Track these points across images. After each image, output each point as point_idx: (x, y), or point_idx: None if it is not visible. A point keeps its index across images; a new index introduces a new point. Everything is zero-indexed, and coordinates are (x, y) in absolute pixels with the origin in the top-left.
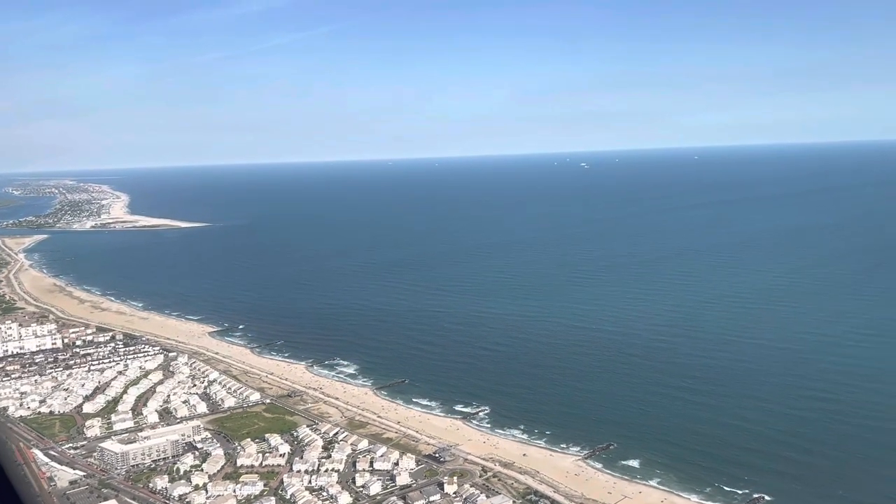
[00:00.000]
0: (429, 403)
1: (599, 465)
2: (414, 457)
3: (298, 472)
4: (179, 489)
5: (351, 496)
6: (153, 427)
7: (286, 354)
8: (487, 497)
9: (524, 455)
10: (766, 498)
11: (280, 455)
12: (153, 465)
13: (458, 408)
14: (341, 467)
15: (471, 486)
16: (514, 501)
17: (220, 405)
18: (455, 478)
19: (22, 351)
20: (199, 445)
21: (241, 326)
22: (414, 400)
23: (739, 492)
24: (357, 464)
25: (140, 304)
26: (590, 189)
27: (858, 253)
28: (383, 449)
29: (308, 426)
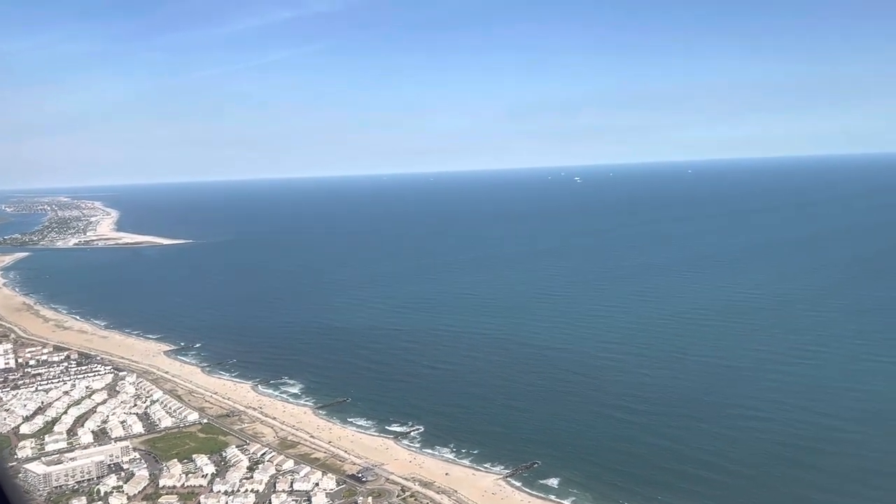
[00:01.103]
0: (365, 423)
1: (519, 484)
2: (335, 477)
3: (217, 492)
4: None
5: None
6: (85, 448)
7: (235, 374)
8: None
9: (447, 474)
10: None
11: (203, 476)
12: (76, 487)
13: (393, 427)
14: (261, 488)
15: None
16: None
17: (156, 425)
18: (370, 498)
19: None
20: (125, 466)
21: (197, 345)
22: (350, 419)
23: None
24: (277, 484)
25: (103, 323)
26: (576, 203)
27: (828, 268)
28: (306, 469)
29: (237, 446)
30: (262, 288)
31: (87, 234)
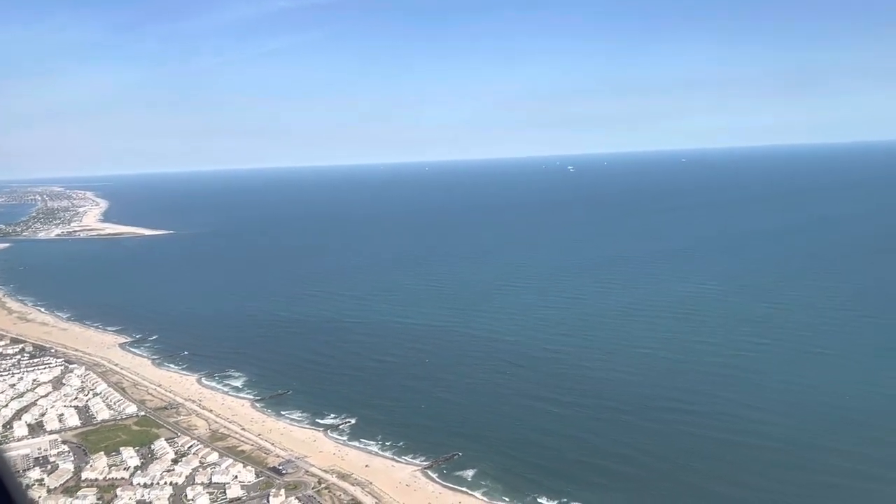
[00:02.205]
0: (299, 415)
1: (435, 476)
2: (254, 469)
3: (136, 485)
4: None
5: None
6: (19, 441)
7: (183, 366)
8: None
9: (366, 466)
10: None
11: (125, 469)
12: None
13: (325, 419)
14: (181, 480)
15: (296, 499)
16: None
17: (93, 418)
18: (282, 490)
19: None
20: (52, 459)
21: (153, 337)
22: (285, 412)
23: (556, 502)
24: (196, 477)
25: (65, 315)
26: (562, 193)
27: (795, 259)
28: (229, 461)
29: (167, 439)
30: (230, 279)
31: (72, 224)
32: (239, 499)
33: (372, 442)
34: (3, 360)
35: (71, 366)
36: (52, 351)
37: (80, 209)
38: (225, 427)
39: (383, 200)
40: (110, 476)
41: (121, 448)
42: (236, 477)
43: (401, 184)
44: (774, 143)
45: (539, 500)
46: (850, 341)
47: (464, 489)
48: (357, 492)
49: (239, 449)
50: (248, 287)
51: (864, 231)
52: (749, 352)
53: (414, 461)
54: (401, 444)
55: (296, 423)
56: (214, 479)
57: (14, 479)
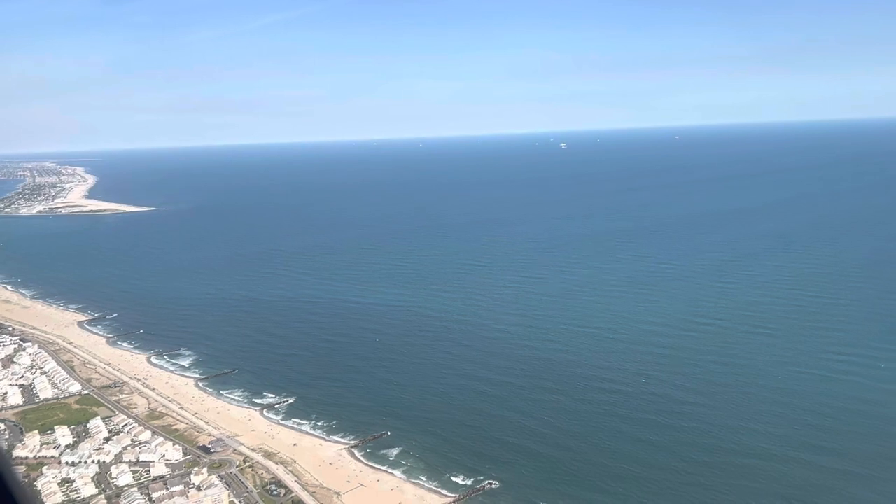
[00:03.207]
0: (239, 394)
1: (360, 454)
2: (182, 448)
3: (63, 463)
4: None
5: (97, 488)
6: None
7: (136, 344)
8: (226, 487)
9: (294, 445)
10: (495, 485)
11: (55, 447)
12: None
13: (264, 399)
14: (108, 459)
15: (217, 478)
16: (253, 491)
17: (36, 396)
18: (205, 469)
19: None
20: None
21: (113, 315)
22: (226, 391)
23: (471, 480)
24: (124, 455)
25: (30, 293)
26: (549, 170)
27: (760, 238)
28: (159, 440)
29: (103, 418)
30: (199, 257)
31: (55, 201)
32: (162, 477)
33: (304, 421)
34: None
35: (25, 344)
36: (10, 329)
37: (68, 185)
38: (164, 406)
39: (370, 178)
40: (40, 454)
41: (56, 427)
42: (164, 455)
43: (392, 160)
44: (777, 119)
45: (454, 478)
46: (794, 321)
47: (384, 468)
48: (279, 470)
49: (173, 428)
50: (215, 265)
51: (833, 210)
52: (691, 332)
53: (342, 440)
54: (333, 423)
55: (234, 403)
56: (141, 458)
57: (15, 477)
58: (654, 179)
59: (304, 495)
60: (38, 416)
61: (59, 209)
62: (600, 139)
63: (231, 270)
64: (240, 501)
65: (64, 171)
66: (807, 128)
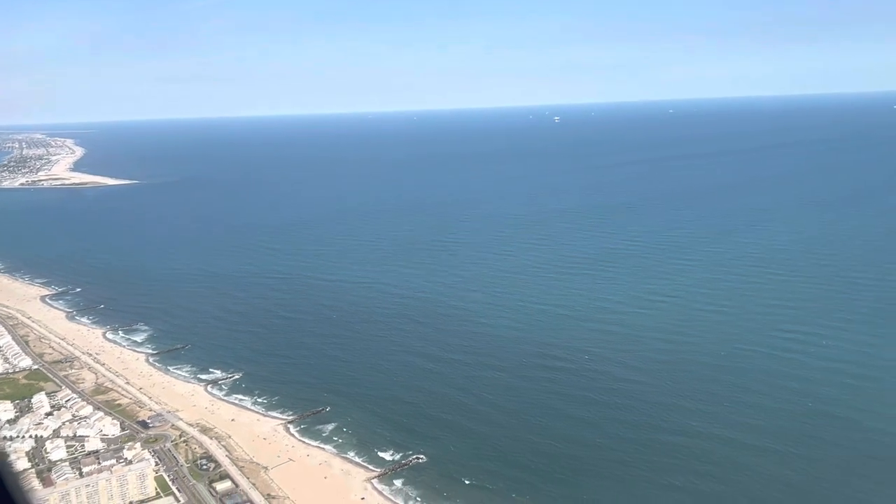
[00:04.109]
0: (188, 370)
1: (295, 430)
2: (120, 423)
3: (1, 438)
4: None
5: (30, 462)
6: None
7: (95, 319)
8: (156, 462)
9: (232, 420)
10: (422, 459)
11: None
12: None
13: (211, 374)
14: (46, 433)
15: (150, 452)
16: (182, 465)
17: None
18: (138, 444)
19: None
20: None
21: (77, 290)
22: (175, 367)
23: (399, 455)
24: (62, 430)
25: None
26: (538, 144)
27: (733, 214)
28: (99, 415)
29: (48, 393)
30: (173, 231)
31: (39, 173)
32: (96, 451)
33: (246, 397)
34: None
35: None
36: None
37: (54, 157)
38: (111, 381)
39: (359, 152)
40: None
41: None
42: (101, 430)
43: (381, 134)
44: (776, 93)
45: (382, 453)
46: (747, 298)
47: (317, 443)
48: (212, 445)
49: (116, 403)
50: (187, 240)
51: (812, 187)
52: (643, 309)
53: (280, 416)
54: (275, 399)
55: (181, 378)
56: (78, 433)
57: (14, 478)
58: (641, 154)
59: (232, 470)
60: None
61: (42, 182)
62: (595, 112)
63: (201, 245)
64: (169, 475)
65: (53, 144)
66: (804, 102)
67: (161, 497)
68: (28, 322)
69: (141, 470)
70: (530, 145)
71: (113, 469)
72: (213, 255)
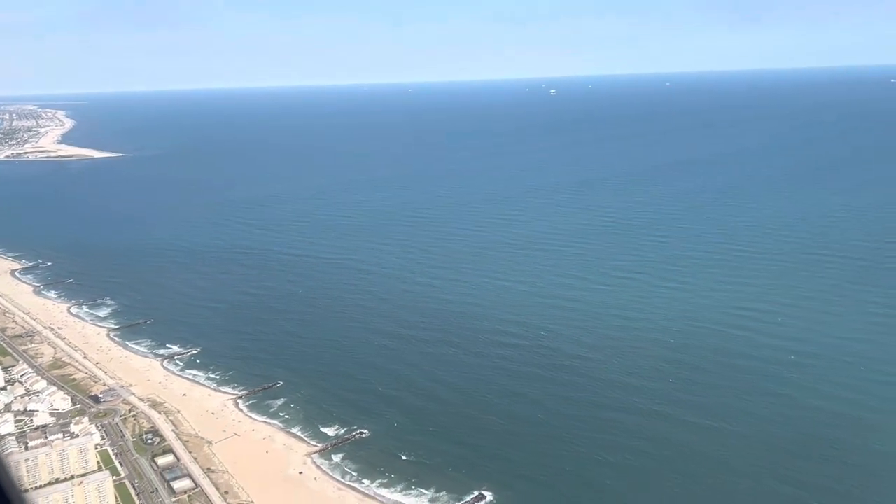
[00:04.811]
0: (147, 345)
1: (244, 405)
2: (71, 398)
3: None
4: None
5: None
6: None
7: (62, 294)
8: (102, 437)
9: (184, 395)
10: (365, 434)
11: None
12: None
13: (169, 349)
14: None
15: (97, 427)
16: (128, 439)
17: None
18: (85, 418)
19: None
20: None
21: (48, 264)
22: (135, 341)
23: (343, 430)
24: (13, 405)
25: None
26: (530, 118)
27: (713, 190)
28: (51, 390)
29: (4, 367)
30: (152, 205)
31: (26, 146)
32: (45, 426)
33: (201, 372)
34: None
35: None
36: None
37: (43, 129)
38: (69, 356)
39: (351, 123)
40: None
41: None
42: (52, 405)
43: (377, 107)
44: (776, 66)
45: (325, 429)
46: (710, 275)
47: (264, 418)
48: (160, 420)
49: (71, 377)
50: (164, 214)
51: (795, 160)
52: (605, 285)
53: (232, 391)
54: (229, 374)
55: (139, 353)
56: (29, 407)
57: (11, 478)
58: (632, 128)
59: (176, 444)
60: None
61: (28, 154)
62: (591, 85)
63: (177, 219)
64: (114, 450)
65: (44, 115)
66: (808, 75)
67: (102, 470)
68: None
69: (82, 444)
70: (521, 119)
71: (53, 444)
72: (188, 229)
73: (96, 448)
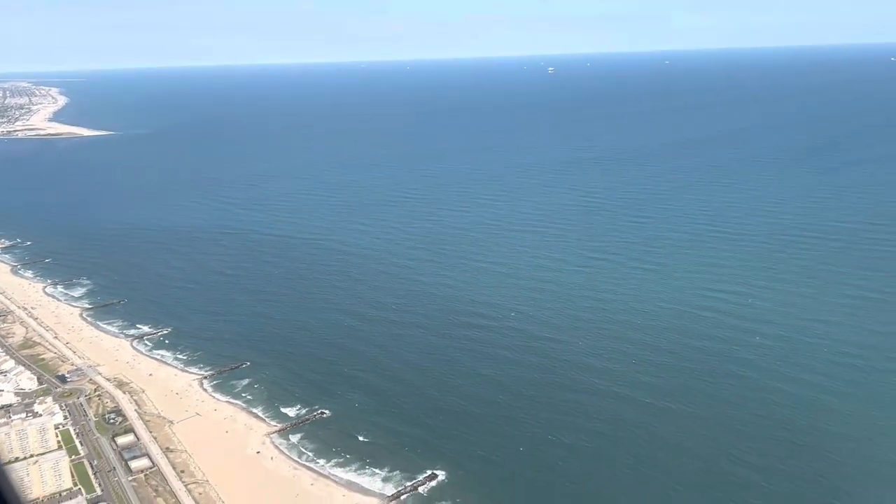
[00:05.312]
0: (119, 325)
1: (209, 386)
2: (38, 377)
3: None
4: None
5: None
6: None
7: (38, 273)
8: (65, 416)
9: (150, 375)
10: (326, 414)
11: None
12: None
13: (140, 330)
14: None
15: (60, 407)
16: (90, 417)
17: None
18: (49, 398)
19: None
20: None
21: (27, 244)
22: (107, 322)
23: (305, 410)
24: None
25: None
26: (525, 97)
27: (700, 169)
28: (19, 369)
29: None
30: (133, 186)
31: (16, 124)
32: (10, 405)
33: (169, 352)
34: None
35: None
36: None
37: (35, 107)
38: (40, 336)
39: (345, 102)
40: None
41: None
42: (18, 384)
43: (372, 85)
44: (777, 44)
45: (286, 409)
46: (685, 256)
47: (227, 398)
48: (124, 400)
49: (41, 357)
50: (147, 193)
51: (783, 142)
52: (581, 266)
53: (198, 371)
54: (197, 354)
55: (110, 333)
56: None
57: (8, 482)
58: (626, 107)
59: (137, 424)
60: None
61: (17, 132)
62: (590, 63)
63: (159, 199)
64: (75, 429)
65: (37, 92)
66: (806, 53)
67: (62, 449)
68: None
69: (42, 424)
70: (517, 98)
71: (13, 423)
72: (170, 209)
73: (58, 428)
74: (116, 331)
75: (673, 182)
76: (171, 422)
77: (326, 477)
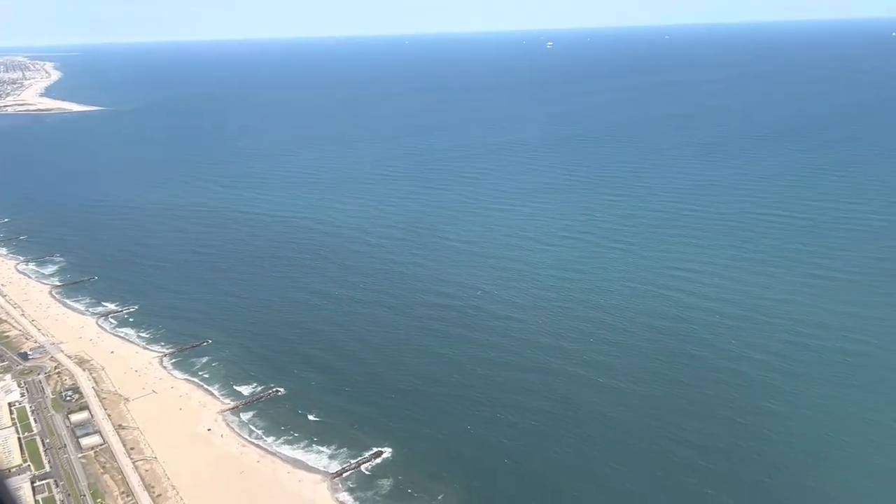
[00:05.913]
0: (87, 302)
1: (169, 363)
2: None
3: None
4: None
5: None
6: None
7: (11, 250)
8: (21, 394)
9: (111, 353)
10: (281, 391)
11: None
12: None
13: (107, 307)
14: None
15: (18, 384)
16: (51, 396)
17: None
18: (8, 375)
19: None
20: None
21: (4, 220)
22: (75, 299)
23: (260, 388)
24: None
25: None
26: (522, 72)
27: (685, 146)
28: None
29: None
30: (115, 162)
31: (7, 99)
32: None
33: (133, 330)
34: None
35: None
36: None
37: (28, 82)
38: (6, 313)
39: (338, 78)
40: None
41: None
42: None
43: (371, 60)
44: (783, 17)
45: (241, 388)
46: (656, 234)
47: (185, 376)
48: (83, 377)
49: (5, 334)
50: (128, 170)
51: (773, 119)
52: (550, 245)
53: (160, 349)
54: (160, 332)
55: (77, 311)
56: None
57: (6, 485)
58: (621, 81)
59: (93, 401)
60: None
61: (7, 108)
62: (590, 38)
63: (139, 176)
64: (31, 406)
65: (32, 67)
66: (806, 28)
67: (14, 426)
68: None
69: None
70: (513, 73)
71: None
72: (148, 186)
73: (13, 405)
74: (83, 308)
75: (655, 159)
76: (127, 399)
77: (273, 454)
